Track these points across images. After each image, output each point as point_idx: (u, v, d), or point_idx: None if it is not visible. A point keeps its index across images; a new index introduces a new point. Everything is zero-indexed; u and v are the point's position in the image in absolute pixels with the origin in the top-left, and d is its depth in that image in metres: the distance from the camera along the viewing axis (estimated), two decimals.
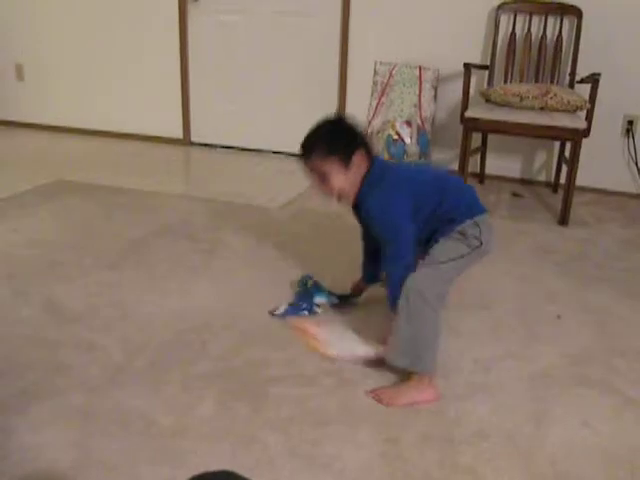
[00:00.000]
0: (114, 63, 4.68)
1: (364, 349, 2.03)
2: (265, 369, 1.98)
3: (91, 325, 2.20)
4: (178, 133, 4.64)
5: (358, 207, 2.06)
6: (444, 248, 1.96)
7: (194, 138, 4.65)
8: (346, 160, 1.95)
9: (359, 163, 1.97)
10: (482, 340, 2.20)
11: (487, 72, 3.76)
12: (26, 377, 1.91)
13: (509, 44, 3.71)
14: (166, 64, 4.50)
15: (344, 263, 2.71)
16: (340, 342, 2.10)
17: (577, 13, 3.59)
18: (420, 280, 1.88)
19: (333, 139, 1.98)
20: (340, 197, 2.01)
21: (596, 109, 3.37)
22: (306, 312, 2.30)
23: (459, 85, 3.62)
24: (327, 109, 4.21)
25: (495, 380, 1.97)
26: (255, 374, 1.96)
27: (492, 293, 2.53)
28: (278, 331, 2.20)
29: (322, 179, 1.97)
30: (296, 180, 3.87)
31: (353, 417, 1.78)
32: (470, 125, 3.32)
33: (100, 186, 3.65)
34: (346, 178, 1.97)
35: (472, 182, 3.73)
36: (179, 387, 1.88)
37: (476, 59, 3.85)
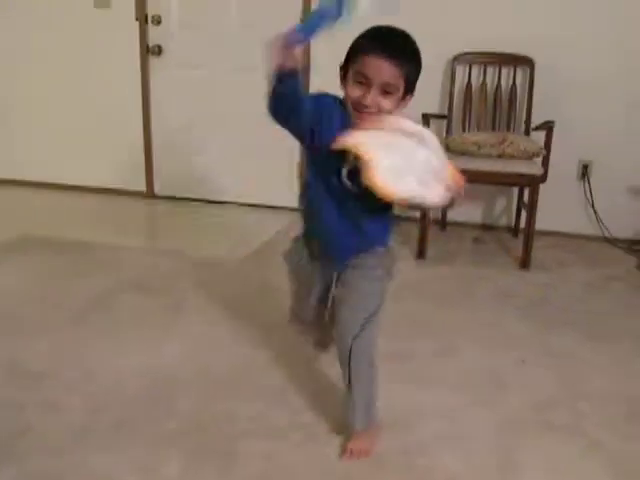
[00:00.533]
0: (77, 116, 4.67)
1: (437, 194, 1.68)
2: (233, 424, 1.97)
3: (54, 384, 2.16)
4: (141, 186, 4.63)
5: None
6: (373, 293, 1.88)
7: (157, 191, 4.65)
8: (408, 95, 1.76)
9: (404, 105, 1.76)
10: (448, 388, 2.21)
11: (445, 121, 3.84)
12: None
13: (465, 94, 3.81)
14: (129, 117, 4.51)
15: None
16: (406, 177, 1.63)
17: (529, 64, 3.71)
18: (369, 345, 1.83)
19: (419, 69, 1.80)
20: (372, 116, 1.69)
21: (552, 155, 3.46)
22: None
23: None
24: (288, 163, 4.30)
25: (462, 429, 1.98)
26: (223, 430, 1.94)
27: (456, 340, 2.55)
28: (246, 383, 2.19)
29: (385, 91, 1.68)
30: (259, 231, 3.89)
31: (322, 473, 1.77)
32: None
33: (64, 241, 3.62)
34: (395, 108, 1.72)
35: (434, 229, 3.78)
36: (145, 446, 1.85)
37: (434, 109, 3.94)
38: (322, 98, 1.78)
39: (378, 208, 1.77)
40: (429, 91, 3.96)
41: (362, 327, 1.80)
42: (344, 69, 1.75)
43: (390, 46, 1.69)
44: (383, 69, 1.66)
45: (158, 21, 4.36)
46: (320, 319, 2.11)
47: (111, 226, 3.99)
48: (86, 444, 1.86)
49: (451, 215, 4.03)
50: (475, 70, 3.83)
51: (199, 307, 2.81)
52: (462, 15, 3.80)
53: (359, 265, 1.86)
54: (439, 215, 3.98)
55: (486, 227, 4.09)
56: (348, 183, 1.73)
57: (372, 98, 1.67)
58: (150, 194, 4.64)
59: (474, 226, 4.08)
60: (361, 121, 1.69)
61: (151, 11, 4.36)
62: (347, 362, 1.82)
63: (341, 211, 1.79)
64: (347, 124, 1.70)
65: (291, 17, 4.06)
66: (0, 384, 2.16)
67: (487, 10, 3.76)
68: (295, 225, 3.99)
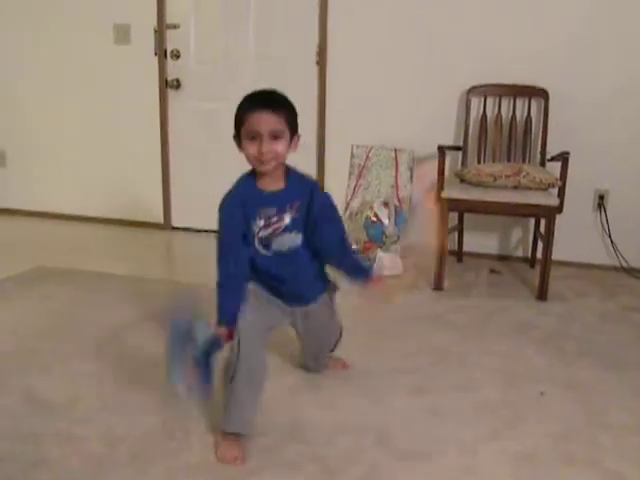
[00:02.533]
0: (95, 148, 4.74)
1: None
2: (247, 456, 1.95)
3: (71, 416, 2.17)
4: (159, 218, 4.67)
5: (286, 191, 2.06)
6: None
7: (175, 222, 4.69)
8: (294, 135, 2.05)
9: (294, 146, 2.05)
10: (466, 421, 2.19)
11: (461, 153, 3.86)
12: (4, 472, 1.87)
13: (481, 125, 3.83)
14: (147, 149, 4.57)
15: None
16: None
17: (544, 95, 3.73)
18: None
19: (295, 112, 2.08)
20: (273, 164, 1.99)
21: (567, 185, 3.47)
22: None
23: (434, 165, 3.71)
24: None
25: (481, 463, 1.96)
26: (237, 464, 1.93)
27: (473, 372, 2.54)
28: (261, 413, 2.18)
29: (274, 137, 1.96)
30: None
31: None
32: (446, 205, 3.39)
33: (80, 272, 3.65)
34: (286, 150, 2.01)
35: (450, 260, 3.77)
36: (161, 479, 1.85)
37: (449, 140, 3.96)
38: (227, 209, 2.08)
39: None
40: (444, 123, 3.99)
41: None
42: (237, 138, 2.05)
43: (265, 100, 2.01)
44: (267, 119, 1.95)
45: (177, 56, 4.44)
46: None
47: (129, 257, 4.02)
48: (102, 476, 1.86)
49: (467, 246, 4.02)
50: (490, 102, 3.86)
51: None
52: (476, 47, 3.84)
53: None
54: (455, 246, 3.98)
55: (502, 258, 4.08)
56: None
57: (266, 147, 1.94)
58: (167, 225, 4.68)
59: (490, 257, 4.07)
60: (265, 174, 2.02)
61: (170, 46, 4.44)
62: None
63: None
64: (258, 195, 2.04)
65: (307, 51, 4.14)
66: (17, 415, 2.17)
67: (501, 42, 3.80)
68: None
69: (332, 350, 2.47)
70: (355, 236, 3.97)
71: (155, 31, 4.45)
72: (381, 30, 4.02)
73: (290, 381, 2.42)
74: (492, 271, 3.83)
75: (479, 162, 3.80)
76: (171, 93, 4.52)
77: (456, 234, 3.96)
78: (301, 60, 4.20)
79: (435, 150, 3.65)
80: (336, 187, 4.22)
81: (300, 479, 1.86)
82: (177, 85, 4.48)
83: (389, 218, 3.70)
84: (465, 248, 4.03)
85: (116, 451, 1.98)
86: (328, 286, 2.27)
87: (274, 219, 2.02)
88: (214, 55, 4.41)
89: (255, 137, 1.95)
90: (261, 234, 2.02)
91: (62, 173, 4.89)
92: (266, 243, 2.03)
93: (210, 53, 4.42)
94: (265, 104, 1.98)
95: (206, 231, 4.58)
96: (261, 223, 2.01)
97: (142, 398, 2.28)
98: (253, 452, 1.98)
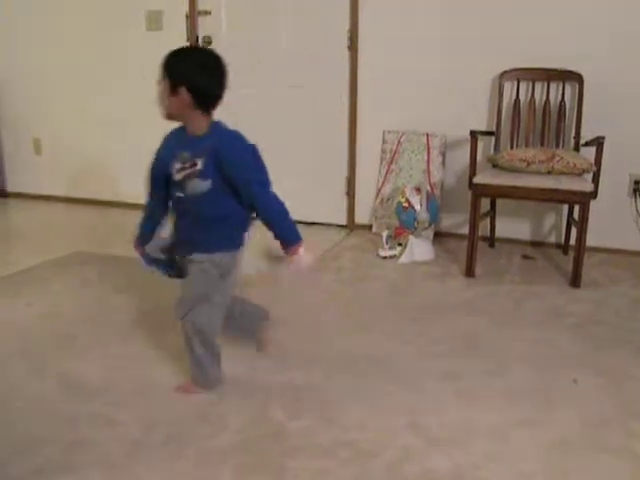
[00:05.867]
0: (128, 135, 4.79)
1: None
2: (282, 440, 1.99)
3: (107, 399, 2.21)
4: None
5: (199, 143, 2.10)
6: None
7: None
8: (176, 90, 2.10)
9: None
10: (497, 406, 2.19)
11: (493, 138, 3.83)
12: (42, 454, 1.92)
13: (514, 110, 3.79)
14: None
15: (360, 327, 2.74)
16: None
17: (578, 79, 3.67)
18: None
19: (185, 70, 2.14)
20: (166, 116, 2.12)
21: (602, 170, 3.42)
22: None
23: (466, 150, 3.69)
24: (337, 177, 4.32)
25: (512, 448, 1.96)
26: (272, 446, 1.96)
27: (505, 358, 2.53)
28: (295, 398, 2.20)
29: (161, 98, 2.12)
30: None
31: None
32: (479, 191, 3.37)
33: (116, 257, 3.70)
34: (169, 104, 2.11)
35: (482, 246, 3.76)
36: (196, 462, 1.89)
37: (482, 125, 3.93)
38: (159, 147, 2.26)
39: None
40: (476, 108, 3.96)
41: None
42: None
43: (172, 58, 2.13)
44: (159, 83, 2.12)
45: (208, 42, 4.45)
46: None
47: None
48: (138, 458, 1.90)
49: (500, 232, 4.00)
50: (523, 86, 3.81)
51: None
52: (509, 31, 3.80)
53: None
54: (487, 232, 3.96)
55: (535, 244, 4.05)
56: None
57: (161, 104, 2.14)
58: None
59: (523, 243, 4.04)
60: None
61: (202, 32, 4.46)
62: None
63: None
64: (180, 140, 2.15)
65: (338, 36, 4.13)
66: (55, 398, 2.22)
67: (534, 26, 3.75)
68: (345, 242, 4.03)
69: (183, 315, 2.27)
70: (387, 221, 3.98)
71: (187, 17, 4.47)
72: (412, 14, 3.99)
73: (322, 367, 2.44)
74: (525, 257, 3.81)
75: (512, 147, 3.76)
76: None
77: (488, 220, 3.93)
78: (332, 45, 4.19)
79: (467, 135, 3.63)
80: (367, 173, 4.24)
81: (334, 463, 1.88)
82: None
83: (421, 204, 3.69)
84: (497, 234, 4.01)
85: (151, 434, 2.02)
86: (225, 249, 2.18)
87: (187, 164, 2.07)
88: (246, 41, 4.42)
89: None
90: (176, 177, 2.09)
91: (96, 160, 4.95)
92: (182, 186, 2.09)
93: (242, 39, 4.42)
94: (171, 62, 2.15)
95: None
96: (178, 166, 2.08)
97: (177, 382, 2.32)
98: (287, 436, 2.01)
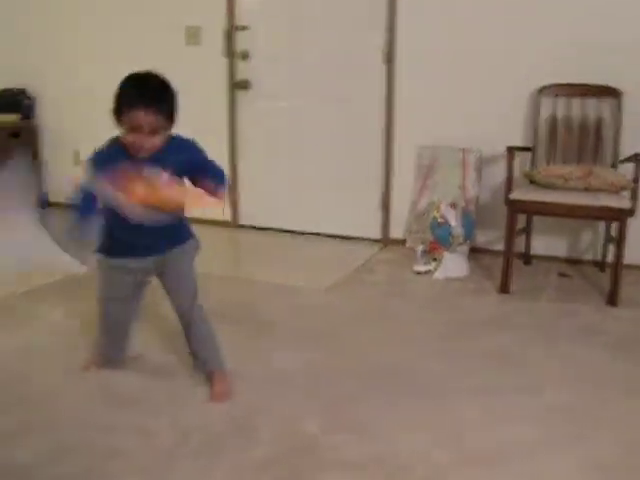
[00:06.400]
0: None
1: None
2: (314, 454, 1.99)
3: (143, 408, 2.23)
4: (226, 215, 4.75)
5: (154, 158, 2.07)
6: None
7: (242, 220, 4.76)
8: (172, 122, 2.12)
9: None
10: (532, 425, 2.16)
11: (530, 154, 3.80)
12: (78, 462, 1.94)
13: (551, 126, 3.77)
14: (216, 149, 4.61)
15: (394, 343, 2.74)
16: None
17: (616, 94, 3.64)
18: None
19: (175, 99, 2.13)
20: (150, 153, 2.07)
21: None
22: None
23: (502, 166, 3.67)
24: (372, 191, 4.33)
25: (547, 469, 1.94)
26: (304, 460, 1.96)
27: (540, 376, 2.51)
28: (328, 412, 2.20)
29: (154, 132, 2.04)
30: (341, 262, 3.93)
31: None
32: (515, 207, 3.35)
33: None
34: (163, 136, 2.09)
35: (517, 263, 3.72)
36: (229, 474, 1.89)
37: (518, 141, 3.91)
38: (94, 162, 2.19)
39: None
40: (513, 123, 3.94)
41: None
42: (116, 115, 2.07)
43: (147, 97, 2.02)
44: (149, 117, 2.00)
45: (246, 56, 4.50)
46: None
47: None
48: (171, 468, 1.92)
49: (535, 249, 3.97)
50: (561, 102, 3.79)
51: (280, 336, 2.85)
52: (547, 47, 3.78)
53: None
54: (522, 248, 3.93)
55: (571, 261, 4.00)
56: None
57: (146, 141, 2.04)
58: (235, 223, 4.76)
59: (559, 260, 4.00)
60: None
61: (239, 47, 4.51)
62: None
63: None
64: (129, 160, 2.06)
65: (374, 49, 4.14)
66: (92, 408, 2.25)
67: (573, 41, 3.72)
68: (379, 256, 4.02)
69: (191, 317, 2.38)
70: (421, 236, 3.97)
71: (225, 32, 4.53)
72: (449, 28, 3.99)
73: (355, 381, 2.44)
74: (561, 275, 3.77)
75: (548, 163, 3.74)
76: (240, 93, 4.59)
77: (524, 236, 3.90)
78: (369, 59, 4.20)
79: (503, 150, 3.61)
80: (402, 187, 4.24)
81: (365, 478, 1.87)
82: (246, 85, 4.55)
83: (456, 219, 3.68)
84: (533, 250, 3.98)
85: (185, 445, 2.03)
86: (189, 240, 2.35)
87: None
88: (282, 55, 4.46)
89: (135, 130, 2.02)
90: None
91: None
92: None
93: (278, 54, 4.47)
94: (148, 102, 2.01)
95: (273, 229, 4.65)
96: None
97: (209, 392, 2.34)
98: (320, 450, 2.01)
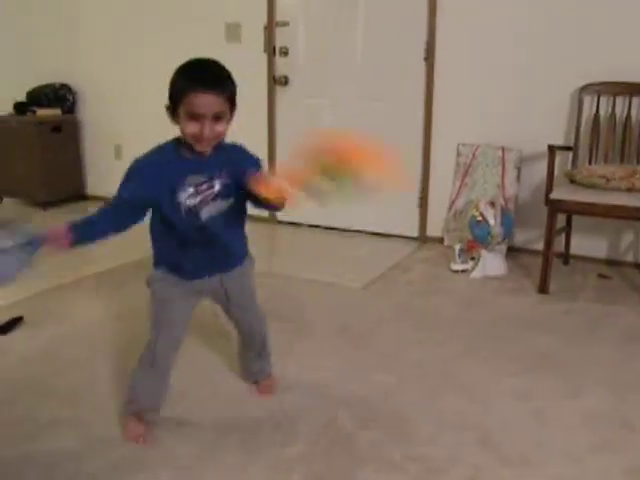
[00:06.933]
0: None
1: None
2: (351, 451, 1.99)
3: (183, 403, 2.26)
4: (265, 212, 4.76)
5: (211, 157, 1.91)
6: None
7: (280, 217, 4.78)
8: (233, 112, 1.92)
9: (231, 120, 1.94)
10: (572, 428, 2.14)
11: (571, 153, 3.76)
12: (116, 452, 1.98)
13: (593, 125, 3.72)
14: (255, 144, 4.61)
15: (431, 341, 2.73)
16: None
17: None
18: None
19: (235, 87, 1.91)
20: (213, 144, 1.88)
21: None
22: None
23: (542, 165, 3.64)
24: (410, 190, 4.32)
25: (587, 473, 1.92)
26: (341, 456, 1.97)
27: (580, 378, 2.48)
28: (365, 409, 2.21)
29: (217, 118, 1.83)
30: (377, 260, 3.93)
31: None
32: (555, 207, 3.31)
33: None
34: (226, 128, 1.90)
35: (556, 263, 3.68)
36: (266, 469, 1.91)
37: (559, 140, 3.86)
38: (141, 170, 1.95)
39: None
40: (554, 122, 3.89)
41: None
42: (171, 109, 1.89)
43: (210, 79, 1.83)
44: (211, 101, 1.80)
45: (285, 53, 4.52)
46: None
47: None
48: (208, 462, 1.94)
49: (575, 249, 3.92)
50: (604, 100, 3.73)
51: (317, 333, 2.86)
52: (590, 44, 3.72)
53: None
54: (561, 248, 3.88)
55: (611, 262, 3.94)
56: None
57: (209, 130, 1.82)
58: (273, 219, 4.78)
59: (599, 261, 3.94)
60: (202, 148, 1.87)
61: (279, 43, 4.53)
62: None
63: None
64: (183, 163, 1.90)
65: (415, 47, 4.12)
66: None
67: (615, 39, 3.66)
68: (416, 254, 4.01)
69: (265, 351, 2.33)
70: (459, 235, 3.95)
71: (265, 29, 4.55)
72: (490, 25, 3.96)
73: (392, 379, 2.44)
74: (601, 276, 3.72)
75: (590, 163, 3.69)
76: (279, 89, 4.61)
77: (563, 236, 3.86)
78: (409, 57, 4.19)
79: (543, 149, 3.57)
80: (441, 185, 4.22)
81: (403, 477, 1.88)
82: (285, 82, 4.56)
83: (495, 218, 3.65)
84: (572, 251, 3.93)
85: (224, 439, 2.05)
86: (247, 256, 2.20)
87: (204, 187, 1.90)
88: (322, 52, 4.47)
89: (196, 118, 1.81)
90: (188, 202, 1.88)
91: None
92: (195, 211, 1.90)
93: (318, 50, 4.48)
94: (210, 84, 1.81)
95: (311, 226, 4.66)
96: (190, 191, 1.88)
97: (252, 388, 2.36)
98: (357, 447, 2.02)
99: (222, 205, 1.94)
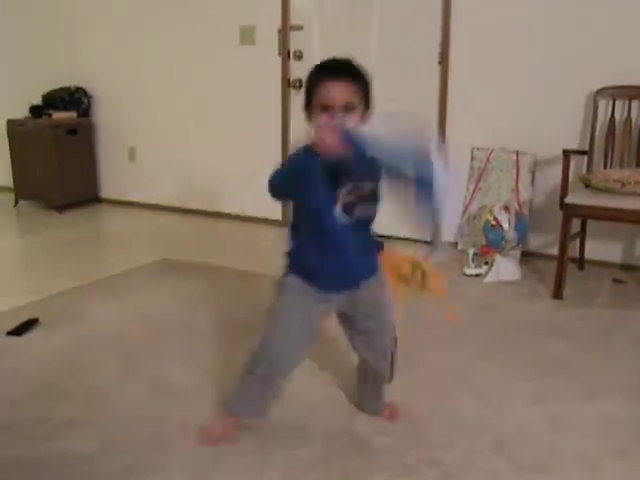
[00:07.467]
0: (220, 146, 4.91)
1: None
2: (366, 455, 1.99)
3: (196, 404, 2.26)
4: (278, 215, 4.78)
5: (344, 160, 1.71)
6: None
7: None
8: (368, 111, 1.82)
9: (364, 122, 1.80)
10: (588, 434, 2.13)
11: (586, 157, 3.74)
12: (130, 455, 1.98)
13: (608, 129, 3.70)
14: (269, 148, 4.68)
15: (445, 345, 2.72)
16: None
17: None
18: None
19: (371, 82, 1.84)
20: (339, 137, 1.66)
21: None
22: None
23: (556, 169, 3.63)
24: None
25: (604, 479, 1.91)
26: (357, 460, 1.97)
27: (595, 384, 2.46)
28: (379, 418, 2.20)
29: (348, 109, 1.74)
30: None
31: None
32: (570, 211, 3.30)
33: (203, 265, 3.80)
34: (359, 124, 1.77)
35: (571, 267, 3.66)
36: (281, 471, 1.91)
37: (574, 144, 3.85)
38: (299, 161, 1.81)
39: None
40: (569, 126, 3.88)
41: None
42: (308, 111, 1.82)
43: (339, 69, 1.79)
44: (341, 88, 1.74)
45: (299, 56, 4.53)
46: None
47: (247, 252, 4.15)
48: (223, 464, 1.94)
49: (589, 253, 3.90)
50: (619, 104, 3.72)
51: (329, 334, 2.86)
52: (605, 48, 3.71)
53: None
54: (576, 253, 3.86)
55: (626, 267, 3.92)
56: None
57: (333, 115, 1.73)
58: (285, 222, 4.78)
59: (614, 266, 3.92)
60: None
61: (293, 47, 4.54)
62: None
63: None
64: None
65: (429, 51, 4.12)
66: (144, 401, 2.29)
67: (631, 42, 3.65)
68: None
69: (389, 376, 2.17)
70: (473, 239, 3.94)
71: (279, 32, 4.56)
72: (505, 29, 3.95)
73: (407, 383, 2.43)
74: (616, 280, 3.70)
75: (605, 167, 3.67)
76: (293, 93, 4.62)
77: (578, 241, 3.84)
78: (423, 60, 4.19)
79: (558, 153, 3.56)
80: (454, 189, 4.20)
81: None
82: (299, 85, 4.57)
83: (509, 223, 3.64)
84: (587, 255, 3.91)
85: (239, 441, 2.05)
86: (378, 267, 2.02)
87: (355, 187, 1.81)
88: (336, 55, 4.46)
89: (327, 109, 1.74)
90: (345, 199, 1.80)
91: (188, 169, 5.09)
92: (349, 210, 1.82)
93: (332, 54, 4.44)
94: (340, 73, 1.76)
95: None
96: (349, 187, 1.80)
97: None
98: (372, 451, 2.01)
99: (373, 209, 1.91)
